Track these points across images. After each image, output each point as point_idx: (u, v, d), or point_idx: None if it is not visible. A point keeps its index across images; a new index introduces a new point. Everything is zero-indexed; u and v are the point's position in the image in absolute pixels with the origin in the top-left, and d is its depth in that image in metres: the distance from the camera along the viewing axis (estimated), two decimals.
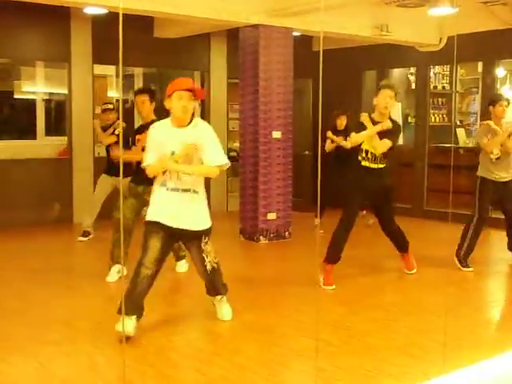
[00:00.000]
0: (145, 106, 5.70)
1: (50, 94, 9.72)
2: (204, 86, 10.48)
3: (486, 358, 3.92)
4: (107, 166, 7.57)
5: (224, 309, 4.73)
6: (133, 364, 3.86)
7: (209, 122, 11.17)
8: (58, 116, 9.75)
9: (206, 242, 4.46)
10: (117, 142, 7.23)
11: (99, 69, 9.51)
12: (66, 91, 9.13)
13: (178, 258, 6.20)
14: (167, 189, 4.29)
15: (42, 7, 7.14)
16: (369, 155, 5.64)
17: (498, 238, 6.97)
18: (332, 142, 8.28)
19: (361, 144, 5.60)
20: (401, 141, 10.52)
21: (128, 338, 4.12)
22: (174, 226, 4.30)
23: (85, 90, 9.06)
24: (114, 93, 10.55)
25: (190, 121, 4.32)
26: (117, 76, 10.24)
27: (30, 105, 9.37)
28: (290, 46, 7.98)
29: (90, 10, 7.88)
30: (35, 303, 5.19)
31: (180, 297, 5.85)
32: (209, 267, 4.51)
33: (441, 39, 9.18)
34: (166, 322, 4.71)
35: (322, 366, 3.78)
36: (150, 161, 4.29)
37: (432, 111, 10.74)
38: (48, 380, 3.73)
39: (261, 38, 7.73)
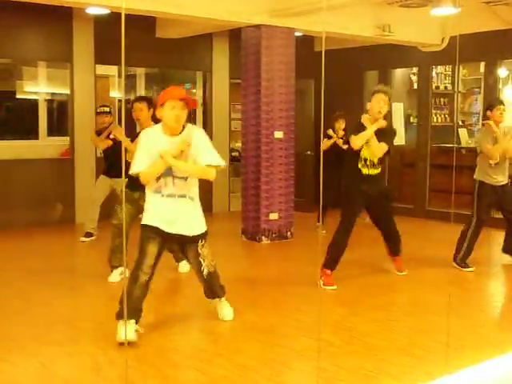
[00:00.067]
0: (143, 113, 5.79)
1: (52, 94, 9.71)
2: (206, 86, 10.49)
3: (489, 357, 3.91)
4: (106, 167, 7.58)
5: (225, 309, 4.74)
6: (134, 364, 3.87)
7: (211, 122, 11.20)
8: (60, 116, 9.73)
9: (203, 245, 4.47)
10: (113, 145, 7.23)
11: (101, 69, 9.51)
12: (68, 91, 9.13)
13: (179, 259, 6.20)
14: (162, 195, 4.27)
15: (44, 7, 7.15)
16: (368, 162, 5.66)
17: (499, 238, 6.96)
18: (329, 138, 8.27)
19: (360, 151, 5.59)
20: (403, 141, 10.53)
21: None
22: (172, 231, 4.30)
23: (87, 90, 9.06)
24: (116, 93, 10.53)
25: (182, 129, 4.30)
26: (119, 76, 10.25)
27: (32, 105, 9.36)
28: (292, 46, 7.97)
29: (92, 10, 7.88)
30: (37, 303, 5.20)
31: (181, 297, 5.85)
32: (205, 272, 4.52)
33: (443, 39, 9.18)
34: (167, 323, 4.71)
35: (323, 366, 3.79)
36: (142, 167, 4.20)
37: (434, 111, 10.73)
38: (50, 380, 3.74)
39: (263, 38, 7.72)
